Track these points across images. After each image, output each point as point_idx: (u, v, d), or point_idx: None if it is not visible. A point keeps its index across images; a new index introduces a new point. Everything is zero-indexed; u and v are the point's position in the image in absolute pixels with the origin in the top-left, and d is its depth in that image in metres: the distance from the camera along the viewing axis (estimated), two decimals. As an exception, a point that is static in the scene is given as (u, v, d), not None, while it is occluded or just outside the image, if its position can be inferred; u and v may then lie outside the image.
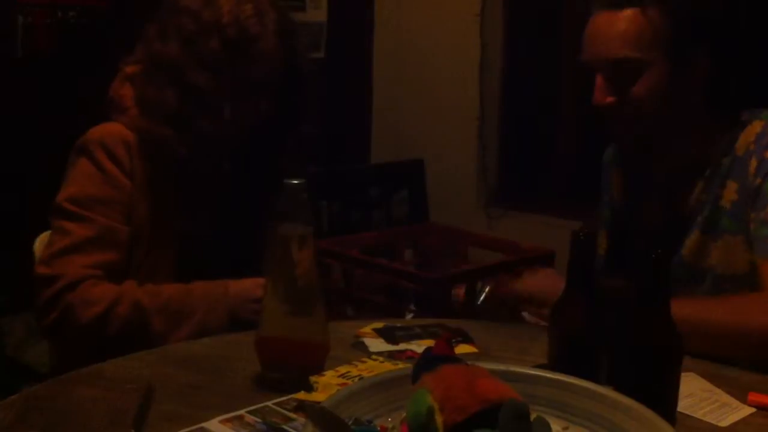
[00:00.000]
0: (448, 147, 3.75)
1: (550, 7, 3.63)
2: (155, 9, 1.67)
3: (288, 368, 1.25)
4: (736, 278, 1.52)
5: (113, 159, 1.60)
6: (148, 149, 1.62)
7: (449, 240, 2.50)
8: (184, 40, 1.61)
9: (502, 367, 1.06)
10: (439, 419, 0.90)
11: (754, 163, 1.49)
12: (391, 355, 1.37)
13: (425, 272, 2.22)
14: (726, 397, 1.25)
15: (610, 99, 1.52)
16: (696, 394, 1.25)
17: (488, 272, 2.05)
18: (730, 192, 1.52)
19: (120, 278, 1.56)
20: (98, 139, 1.61)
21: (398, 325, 1.52)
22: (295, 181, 1.22)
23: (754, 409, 1.21)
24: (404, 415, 0.97)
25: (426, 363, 0.98)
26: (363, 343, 1.43)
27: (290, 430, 1.10)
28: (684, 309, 1.17)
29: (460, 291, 2.01)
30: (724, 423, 1.17)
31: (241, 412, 1.14)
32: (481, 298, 1.93)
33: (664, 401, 1.08)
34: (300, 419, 1.11)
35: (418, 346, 1.40)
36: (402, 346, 1.42)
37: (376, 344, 1.43)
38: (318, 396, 1.16)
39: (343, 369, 1.27)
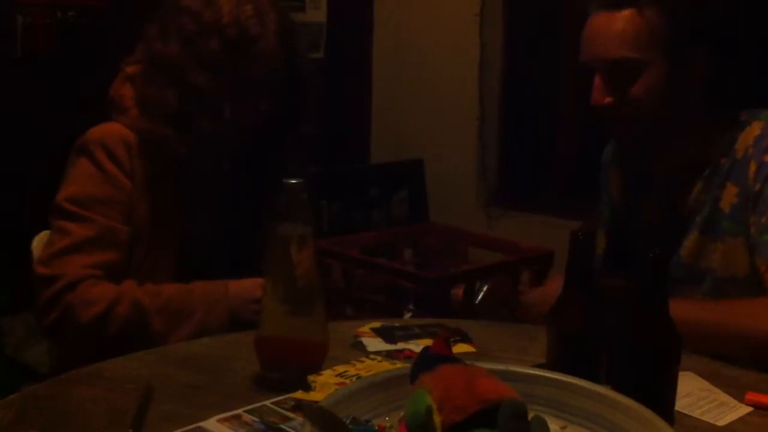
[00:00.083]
0: (447, 147, 3.74)
1: (550, 7, 3.62)
2: (155, 9, 1.67)
3: (287, 368, 1.25)
4: (737, 280, 1.51)
5: (113, 159, 1.60)
6: (148, 149, 1.63)
7: (449, 240, 2.50)
8: (185, 41, 1.61)
9: (501, 366, 1.06)
10: (437, 419, 0.90)
11: (753, 167, 1.49)
12: (389, 355, 1.37)
13: (425, 272, 2.22)
14: (724, 397, 1.25)
15: (608, 99, 1.51)
16: (694, 393, 1.25)
17: (488, 272, 2.06)
18: (730, 195, 1.52)
19: (120, 278, 1.57)
20: (98, 139, 1.61)
21: (397, 324, 1.52)
22: (295, 181, 1.22)
23: (751, 408, 1.21)
24: (402, 414, 0.97)
25: (424, 363, 0.98)
26: (361, 343, 1.43)
27: (288, 429, 1.10)
28: (685, 310, 1.17)
29: (458, 291, 2.01)
30: (722, 422, 1.18)
31: (239, 411, 1.14)
32: (479, 297, 1.94)
33: (662, 400, 1.08)
34: (298, 419, 1.11)
35: (416, 346, 1.40)
36: (400, 346, 1.42)
37: (374, 344, 1.43)
38: (316, 395, 1.16)
39: (341, 368, 1.27)
